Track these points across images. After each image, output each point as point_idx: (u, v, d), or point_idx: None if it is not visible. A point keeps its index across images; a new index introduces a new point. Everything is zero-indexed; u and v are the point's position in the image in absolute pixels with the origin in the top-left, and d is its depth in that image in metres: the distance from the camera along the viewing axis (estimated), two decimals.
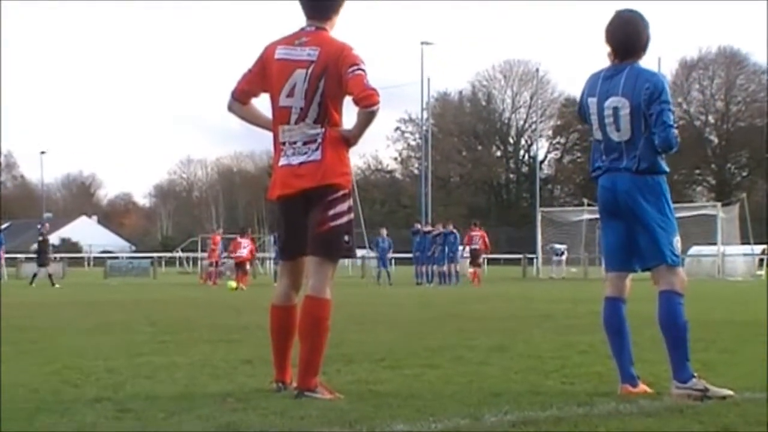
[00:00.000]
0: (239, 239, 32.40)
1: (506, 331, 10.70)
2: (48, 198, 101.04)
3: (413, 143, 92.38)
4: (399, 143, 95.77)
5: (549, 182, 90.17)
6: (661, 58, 45.58)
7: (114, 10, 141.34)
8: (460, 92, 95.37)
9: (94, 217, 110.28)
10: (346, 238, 5.82)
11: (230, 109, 6.05)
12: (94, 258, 70.97)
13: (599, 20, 5.91)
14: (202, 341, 9.40)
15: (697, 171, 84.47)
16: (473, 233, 34.32)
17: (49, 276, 31.46)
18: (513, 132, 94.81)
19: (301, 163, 5.76)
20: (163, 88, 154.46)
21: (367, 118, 5.68)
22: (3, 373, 6.62)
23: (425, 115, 65.03)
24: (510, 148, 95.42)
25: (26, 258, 42.89)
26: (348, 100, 5.77)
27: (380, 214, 79.22)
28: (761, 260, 40.63)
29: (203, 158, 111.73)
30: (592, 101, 5.91)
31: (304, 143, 5.77)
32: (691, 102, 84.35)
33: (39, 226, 33.80)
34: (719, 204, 42.07)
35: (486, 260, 43.84)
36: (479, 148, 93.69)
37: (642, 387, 5.83)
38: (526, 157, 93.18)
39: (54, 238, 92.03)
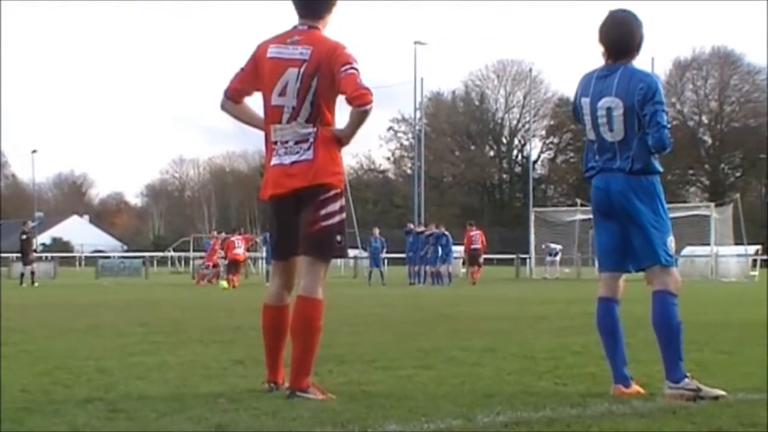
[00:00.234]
0: (232, 238, 32.41)
1: (499, 332, 10.69)
2: (39, 197, 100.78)
3: (406, 143, 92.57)
4: (392, 143, 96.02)
5: (542, 182, 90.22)
6: (654, 58, 45.71)
7: (106, 9, 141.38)
8: (453, 92, 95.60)
9: (86, 217, 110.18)
10: (339, 237, 5.80)
11: (223, 107, 6.04)
12: (86, 257, 70.94)
13: (593, 20, 5.91)
14: (193, 342, 9.38)
15: (691, 171, 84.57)
16: (472, 233, 34.26)
17: (31, 274, 31.29)
18: (506, 132, 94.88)
19: (293, 163, 5.74)
20: (156, 87, 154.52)
21: (360, 117, 5.65)
22: None
23: (418, 115, 65.03)
24: (503, 148, 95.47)
25: (17, 257, 42.73)
26: (341, 100, 5.75)
27: (373, 213, 79.19)
28: (755, 261, 40.65)
29: (195, 158, 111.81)
30: (586, 101, 5.89)
31: (296, 142, 5.75)
32: (684, 102, 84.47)
33: (22, 225, 33.47)
34: (713, 204, 42.11)
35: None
36: (472, 148, 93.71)
37: (635, 387, 5.82)
38: (519, 157, 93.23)
39: (45, 238, 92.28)
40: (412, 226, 36.79)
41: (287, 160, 5.76)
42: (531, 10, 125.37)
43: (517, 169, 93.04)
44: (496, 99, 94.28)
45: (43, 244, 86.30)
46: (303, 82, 5.69)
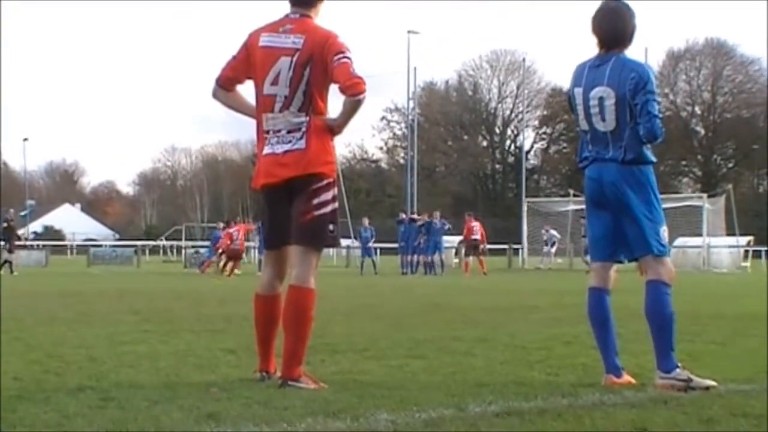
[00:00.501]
0: (229, 230, 32.17)
1: (491, 322, 10.70)
2: (31, 186, 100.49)
3: (399, 133, 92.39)
4: (385, 133, 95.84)
5: (535, 172, 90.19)
6: (648, 49, 45.57)
7: None
8: (447, 82, 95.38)
9: (78, 205, 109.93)
10: (331, 227, 5.79)
11: (215, 96, 6.02)
12: (78, 246, 70.80)
13: (586, 10, 5.90)
14: (185, 331, 9.37)
15: (684, 162, 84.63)
16: (473, 224, 34.18)
17: (9, 263, 31.05)
18: (499, 122, 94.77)
19: (285, 152, 5.72)
20: (148, 75, 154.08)
21: (353, 106, 5.64)
22: None
23: (411, 105, 64.94)
24: (496, 138, 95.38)
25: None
26: (334, 89, 5.73)
27: (365, 203, 79.13)
28: (746, 252, 40.73)
29: (188, 147, 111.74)
30: (578, 91, 5.88)
31: (289, 132, 5.73)
32: (677, 93, 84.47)
33: (5, 213, 33.18)
34: (705, 195, 42.20)
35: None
36: (465, 138, 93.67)
37: (626, 378, 5.82)
38: (512, 147, 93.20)
39: (37, 226, 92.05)
40: (404, 215, 36.74)
41: (279, 149, 5.75)
42: (524, 0, 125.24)
43: (510, 159, 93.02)
44: (489, 89, 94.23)
45: (35, 233, 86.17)
46: (295, 71, 5.67)
